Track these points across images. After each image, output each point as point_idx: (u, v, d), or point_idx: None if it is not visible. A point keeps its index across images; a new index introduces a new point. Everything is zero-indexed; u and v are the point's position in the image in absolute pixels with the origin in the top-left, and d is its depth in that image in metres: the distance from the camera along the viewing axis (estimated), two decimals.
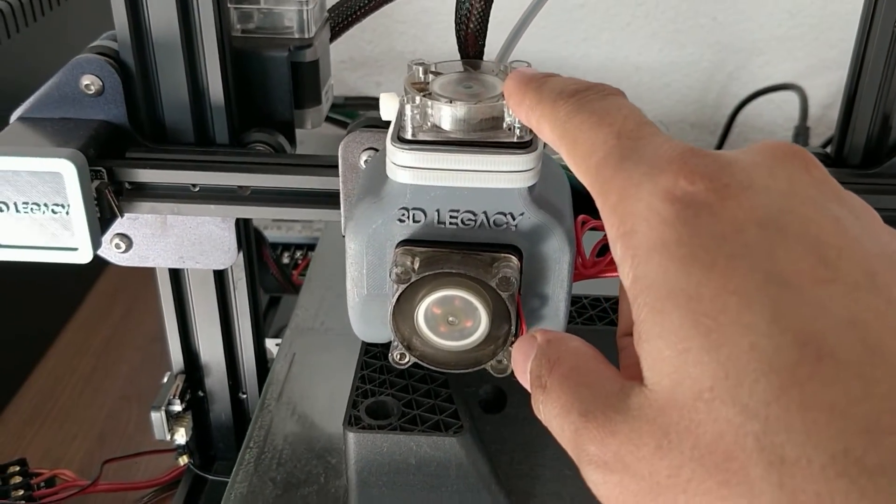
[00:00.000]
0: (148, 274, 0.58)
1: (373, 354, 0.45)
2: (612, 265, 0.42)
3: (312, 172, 0.48)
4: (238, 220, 0.53)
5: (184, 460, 0.62)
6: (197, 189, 0.49)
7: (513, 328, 0.36)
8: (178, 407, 0.59)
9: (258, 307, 0.58)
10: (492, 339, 0.36)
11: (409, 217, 0.36)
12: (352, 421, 0.41)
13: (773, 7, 1.05)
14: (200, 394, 0.61)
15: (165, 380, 0.60)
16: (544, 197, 0.36)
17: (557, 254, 0.36)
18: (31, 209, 0.46)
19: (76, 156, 0.45)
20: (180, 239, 0.52)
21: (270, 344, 0.64)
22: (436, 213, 0.35)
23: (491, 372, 0.37)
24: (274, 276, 0.81)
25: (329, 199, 0.48)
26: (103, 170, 0.47)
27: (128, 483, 0.68)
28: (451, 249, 0.36)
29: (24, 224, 0.46)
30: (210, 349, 0.59)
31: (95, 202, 0.47)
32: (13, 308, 0.76)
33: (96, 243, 0.47)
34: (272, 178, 0.48)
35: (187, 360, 0.59)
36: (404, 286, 0.35)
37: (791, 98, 1.03)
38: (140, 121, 0.50)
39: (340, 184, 0.46)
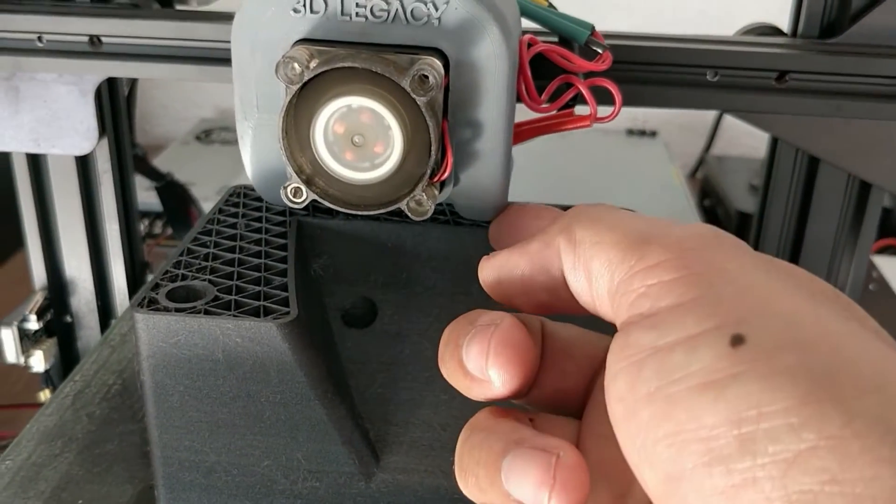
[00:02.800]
0: None
1: (201, 243, 0.35)
2: (571, 116, 0.35)
3: (185, 18, 0.39)
4: (99, 99, 0.44)
5: (45, 395, 0.53)
6: (43, 42, 0.40)
7: (433, 154, 0.28)
8: (34, 324, 0.50)
9: (132, 211, 0.49)
10: (409, 172, 0.29)
11: (305, 5, 0.29)
12: (144, 303, 0.31)
13: None
14: (68, 319, 0.52)
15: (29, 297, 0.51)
16: None
17: (493, 61, 0.29)
18: None
19: None
20: (35, 117, 0.44)
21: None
22: (339, 1, 0.29)
23: (409, 214, 0.30)
24: None
25: (204, 54, 0.40)
26: None
27: None
28: (359, 48, 0.29)
29: None
30: (75, 261, 0.50)
31: None
32: None
33: None
34: (133, 26, 0.39)
35: (50, 275, 0.50)
36: (297, 87, 0.28)
37: None
38: None
39: None
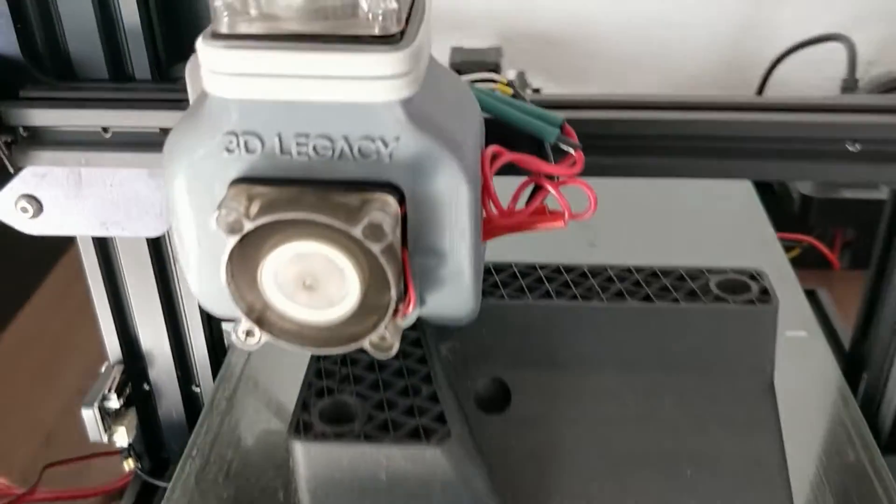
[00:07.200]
0: None
1: None
2: (544, 215, 0.32)
3: None
4: None
5: (129, 465, 0.52)
6: (109, 134, 0.39)
7: (394, 293, 0.26)
8: (114, 403, 0.49)
9: None
10: (370, 308, 0.27)
11: (239, 145, 0.26)
12: (300, 427, 0.30)
13: None
14: (146, 387, 0.51)
15: (103, 369, 0.50)
16: (429, 116, 0.26)
17: (452, 193, 0.27)
18: None
19: None
20: (100, 200, 0.42)
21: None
22: (276, 140, 0.26)
23: (371, 351, 0.27)
24: None
25: None
26: None
27: (70, 490, 0.58)
28: (304, 188, 0.26)
29: None
30: (151, 334, 0.49)
31: None
32: None
33: None
34: None
35: (125, 348, 0.49)
36: (236, 238, 0.25)
37: (830, 54, 0.92)
38: (37, 52, 0.39)
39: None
